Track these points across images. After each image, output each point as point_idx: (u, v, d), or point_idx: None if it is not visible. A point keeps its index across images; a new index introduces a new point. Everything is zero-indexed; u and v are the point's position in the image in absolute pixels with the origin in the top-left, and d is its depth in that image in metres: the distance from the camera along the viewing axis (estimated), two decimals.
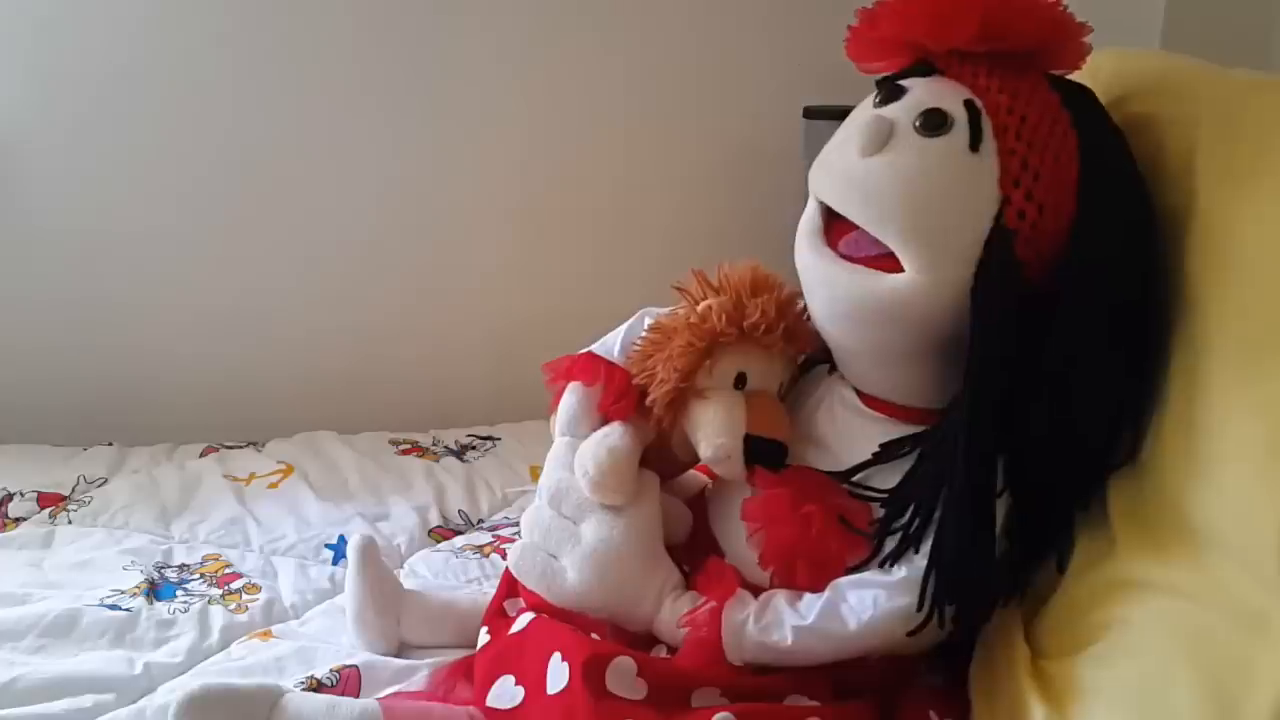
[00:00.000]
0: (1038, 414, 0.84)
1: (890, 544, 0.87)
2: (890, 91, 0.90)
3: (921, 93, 0.88)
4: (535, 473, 1.03)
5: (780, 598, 0.88)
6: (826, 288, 0.90)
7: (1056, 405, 0.84)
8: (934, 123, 0.85)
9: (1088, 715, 0.77)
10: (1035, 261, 0.84)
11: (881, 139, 0.86)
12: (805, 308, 0.96)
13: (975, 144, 0.84)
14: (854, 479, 0.91)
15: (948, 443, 0.85)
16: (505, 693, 0.87)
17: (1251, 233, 0.78)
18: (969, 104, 0.86)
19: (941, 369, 0.89)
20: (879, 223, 0.86)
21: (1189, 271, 0.83)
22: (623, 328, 1.02)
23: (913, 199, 0.85)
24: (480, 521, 1.35)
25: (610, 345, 1.02)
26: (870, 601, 0.85)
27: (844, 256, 0.89)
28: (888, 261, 0.86)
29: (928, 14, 0.87)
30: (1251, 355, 0.75)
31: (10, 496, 1.31)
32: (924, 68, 0.90)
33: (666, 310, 0.99)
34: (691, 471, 1.05)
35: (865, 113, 0.90)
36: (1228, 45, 1.06)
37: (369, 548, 1.03)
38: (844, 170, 0.89)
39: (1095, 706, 0.77)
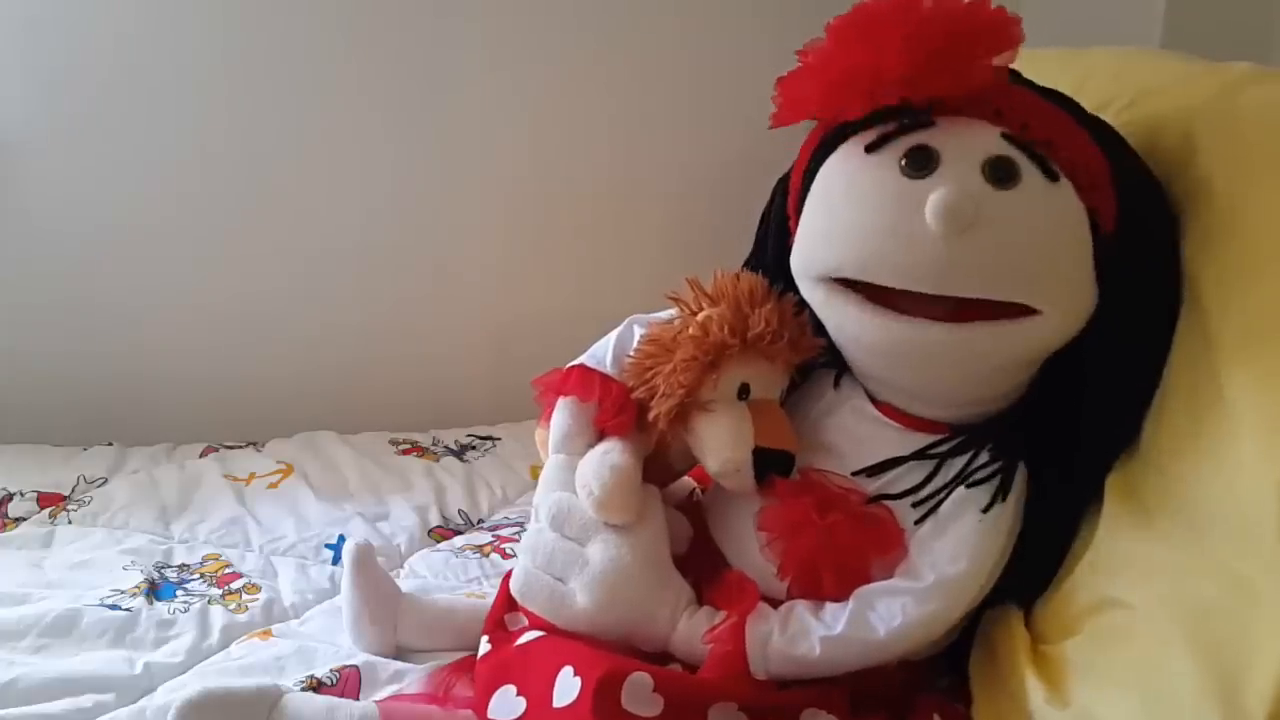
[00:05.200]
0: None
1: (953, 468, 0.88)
2: (919, 156, 0.82)
3: (955, 144, 0.82)
4: (535, 472, 1.02)
5: (802, 608, 0.87)
6: (960, 349, 0.84)
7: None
8: (1006, 172, 0.80)
9: (1087, 693, 0.77)
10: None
11: (970, 216, 0.79)
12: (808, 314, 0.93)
13: (1053, 174, 0.81)
14: (874, 482, 0.90)
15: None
16: (505, 703, 0.84)
17: (1256, 215, 0.79)
18: (1007, 137, 0.82)
19: (986, 383, 0.89)
20: (1006, 292, 0.81)
21: (1189, 254, 0.83)
22: (611, 338, 0.99)
23: (1034, 256, 0.81)
24: (480, 521, 1.35)
25: (600, 357, 0.98)
26: (899, 609, 0.84)
27: (963, 317, 0.82)
28: (1008, 308, 0.82)
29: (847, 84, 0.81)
30: (1256, 334, 0.75)
31: (10, 496, 1.31)
32: (918, 117, 0.83)
33: (656, 316, 0.97)
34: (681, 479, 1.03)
35: (905, 185, 0.81)
36: (1228, 45, 1.06)
37: (364, 554, 1.01)
38: (928, 256, 0.80)
39: (1095, 684, 0.77)
